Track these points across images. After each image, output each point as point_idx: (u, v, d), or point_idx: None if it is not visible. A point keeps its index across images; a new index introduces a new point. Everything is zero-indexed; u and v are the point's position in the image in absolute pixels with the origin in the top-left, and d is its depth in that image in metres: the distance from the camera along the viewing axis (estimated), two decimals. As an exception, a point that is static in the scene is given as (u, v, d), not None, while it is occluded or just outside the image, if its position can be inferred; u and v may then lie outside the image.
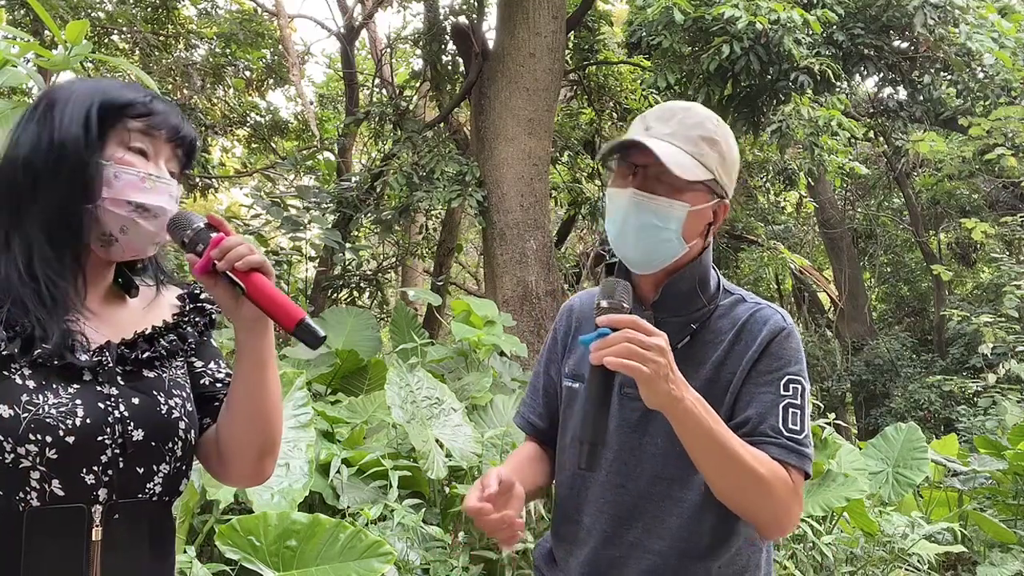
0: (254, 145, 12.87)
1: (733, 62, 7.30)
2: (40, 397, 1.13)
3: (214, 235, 1.19)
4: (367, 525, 3.11)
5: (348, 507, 3.44)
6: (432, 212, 9.26)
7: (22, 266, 1.17)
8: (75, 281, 1.21)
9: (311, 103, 12.65)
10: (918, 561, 4.25)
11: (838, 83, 8.16)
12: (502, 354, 5.53)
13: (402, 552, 3.14)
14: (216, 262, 1.16)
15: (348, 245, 7.99)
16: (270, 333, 1.25)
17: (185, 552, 2.79)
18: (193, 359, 1.35)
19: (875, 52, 8.67)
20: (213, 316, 1.39)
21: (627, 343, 1.23)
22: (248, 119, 12.06)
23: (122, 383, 1.21)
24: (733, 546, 1.48)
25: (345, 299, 8.59)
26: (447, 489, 3.79)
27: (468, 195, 6.99)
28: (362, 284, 8.85)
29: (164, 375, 1.27)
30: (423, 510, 3.56)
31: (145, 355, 1.24)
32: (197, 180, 10.15)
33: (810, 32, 7.49)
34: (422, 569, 3.23)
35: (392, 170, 7.60)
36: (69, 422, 1.13)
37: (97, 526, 1.15)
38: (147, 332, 1.28)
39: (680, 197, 1.40)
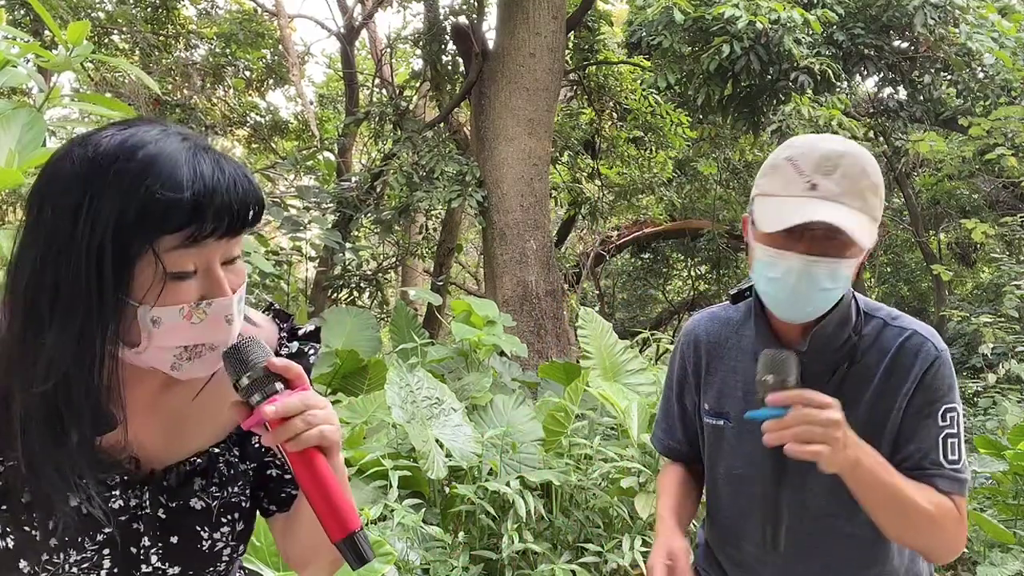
0: (254, 145, 12.87)
1: (733, 62, 7.31)
2: (60, 556, 0.98)
3: (276, 391, 0.94)
4: (367, 525, 3.11)
5: (348, 507, 3.43)
6: (432, 212, 9.26)
7: (27, 411, 0.92)
8: (115, 395, 0.96)
9: (311, 103, 12.66)
10: (918, 561, 4.25)
11: (838, 83, 8.16)
12: (502, 354, 5.53)
13: (402, 552, 3.14)
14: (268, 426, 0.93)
15: (348, 245, 7.99)
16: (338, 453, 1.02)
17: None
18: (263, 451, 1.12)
19: (875, 52, 8.67)
20: (310, 365, 1.15)
21: (804, 424, 1.25)
22: (248, 119, 12.07)
23: (163, 516, 1.03)
24: (903, 566, 1.55)
25: (345, 299, 8.59)
26: (447, 489, 3.79)
27: (468, 195, 7.00)
28: (362, 284, 8.85)
29: (214, 503, 1.07)
30: (423, 510, 3.55)
31: (196, 491, 1.05)
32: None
33: (810, 32, 7.50)
34: (422, 569, 3.23)
35: (392, 170, 7.60)
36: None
37: None
38: (203, 457, 1.07)
39: (850, 253, 1.34)
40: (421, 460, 3.65)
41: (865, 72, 9.20)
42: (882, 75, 9.43)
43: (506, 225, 6.98)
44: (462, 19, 8.57)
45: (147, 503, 1.02)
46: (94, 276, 0.87)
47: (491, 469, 3.85)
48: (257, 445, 1.12)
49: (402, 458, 3.83)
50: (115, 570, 1.01)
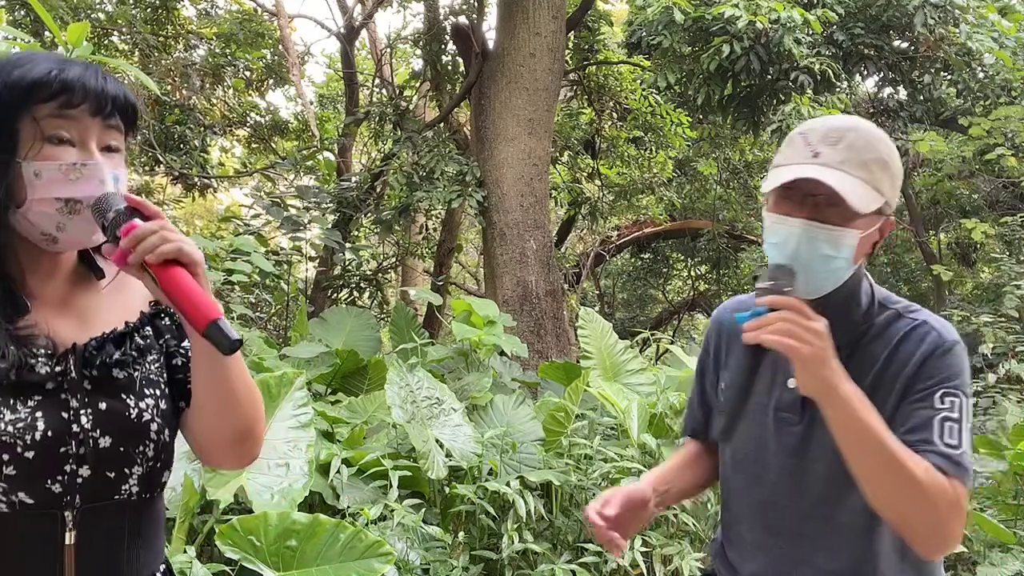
0: (254, 145, 12.87)
1: (733, 62, 7.31)
2: None
3: (130, 222, 1.08)
4: (367, 525, 3.11)
5: (348, 507, 3.44)
6: (432, 212, 9.27)
7: None
8: (21, 284, 1.15)
9: (311, 103, 12.66)
10: (918, 561, 4.25)
11: (838, 83, 8.16)
12: (502, 354, 5.53)
13: (402, 552, 3.14)
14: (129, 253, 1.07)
15: (348, 245, 7.99)
16: None
17: (185, 552, 2.79)
18: (168, 338, 1.27)
19: (875, 52, 8.67)
20: None
21: (784, 322, 1.23)
22: (248, 119, 12.07)
23: (89, 388, 1.15)
24: (906, 561, 1.46)
25: (345, 299, 8.59)
26: (447, 489, 3.79)
27: (468, 195, 7.00)
28: (362, 284, 8.85)
29: (135, 374, 1.20)
30: (423, 510, 3.56)
31: (114, 357, 1.17)
32: (196, 180, 10.16)
33: (810, 32, 7.49)
34: (422, 569, 3.23)
35: (392, 170, 7.61)
36: (28, 437, 1.09)
37: (70, 530, 1.12)
38: (117, 330, 1.20)
39: (852, 224, 1.35)
40: (421, 460, 3.66)
41: (865, 72, 9.20)
42: (882, 75, 9.43)
43: (506, 225, 6.98)
44: (462, 19, 8.58)
45: (71, 370, 1.14)
46: None
47: (491, 469, 3.86)
48: (167, 322, 1.27)
49: (402, 458, 3.83)
50: (48, 432, 1.10)
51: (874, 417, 1.28)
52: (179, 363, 1.27)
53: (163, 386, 1.23)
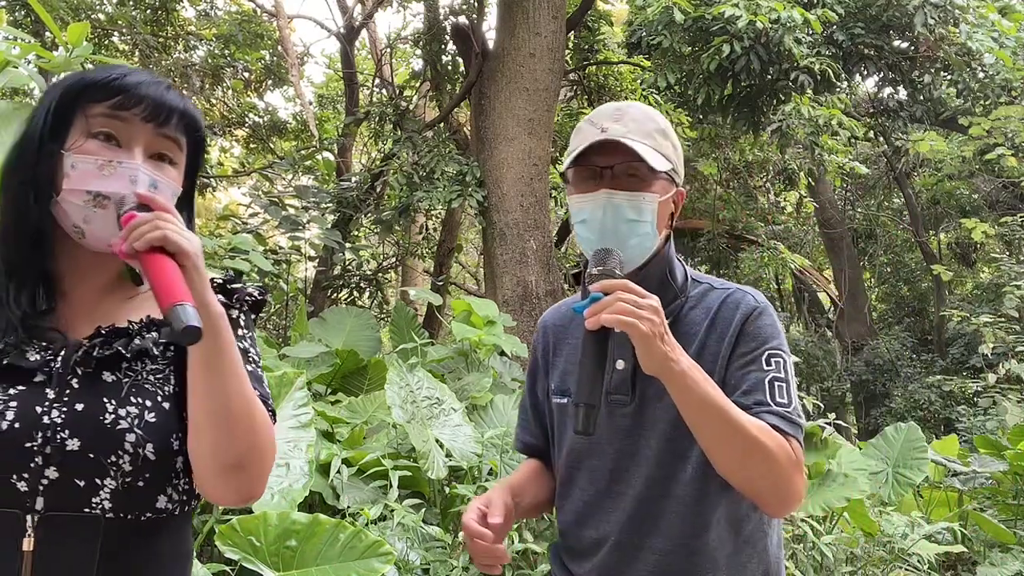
0: (252, 145, 12.88)
1: (733, 62, 7.31)
2: None
3: (130, 212, 1.09)
4: (367, 525, 3.11)
5: (348, 507, 3.44)
6: (432, 212, 9.26)
7: None
8: (55, 275, 1.16)
9: (310, 103, 12.66)
10: (918, 561, 4.25)
11: (838, 83, 8.16)
12: (502, 354, 5.53)
13: (402, 552, 3.14)
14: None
15: (348, 245, 7.99)
16: (221, 328, 1.11)
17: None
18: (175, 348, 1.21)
19: (875, 52, 8.67)
20: (244, 306, 1.27)
21: (621, 302, 1.24)
22: (247, 120, 12.08)
23: (76, 386, 1.11)
24: (741, 534, 1.48)
25: (345, 299, 8.59)
26: (447, 489, 3.79)
27: (468, 195, 7.00)
28: (362, 284, 8.85)
29: (125, 380, 1.14)
30: (423, 510, 3.56)
31: (106, 352, 1.13)
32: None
33: (810, 31, 7.50)
34: (422, 569, 3.23)
35: (392, 170, 7.61)
36: None
37: (28, 536, 1.06)
38: (115, 326, 1.17)
39: (649, 189, 1.44)
40: (421, 460, 3.66)
41: (865, 72, 9.20)
42: (882, 75, 9.44)
43: (506, 225, 6.98)
44: (462, 19, 8.58)
45: (59, 362, 1.12)
46: (39, 128, 1.14)
47: (491, 469, 3.85)
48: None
49: (402, 458, 3.83)
50: (16, 424, 1.07)
51: (712, 387, 1.32)
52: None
53: (159, 399, 1.16)
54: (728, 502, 1.44)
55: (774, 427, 1.35)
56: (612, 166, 1.43)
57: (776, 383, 1.40)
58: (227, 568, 2.82)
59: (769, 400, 1.39)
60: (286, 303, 7.84)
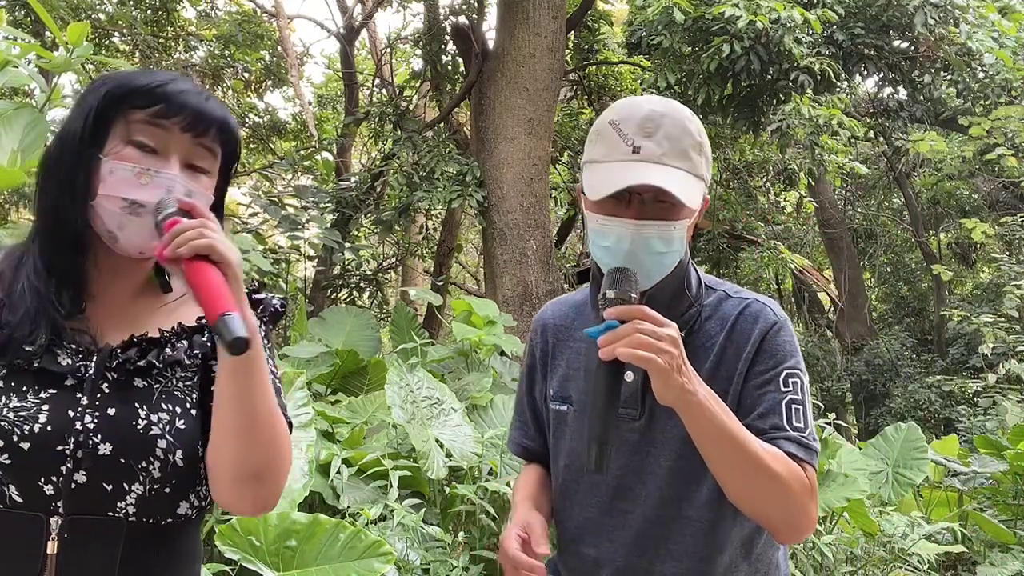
0: (252, 146, 12.88)
1: (733, 62, 7.30)
2: (2, 399, 1.08)
3: (173, 218, 1.09)
4: (367, 525, 3.11)
5: (348, 507, 3.44)
6: (432, 212, 9.26)
7: (33, 263, 1.14)
8: (91, 278, 1.16)
9: (309, 103, 12.66)
10: (918, 561, 4.25)
11: (838, 83, 8.16)
12: (502, 354, 5.53)
13: (402, 552, 3.14)
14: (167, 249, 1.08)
15: (348, 245, 7.99)
16: (256, 340, 1.12)
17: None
18: (213, 363, 1.19)
19: (875, 52, 8.67)
20: (266, 316, 1.28)
21: (639, 334, 1.17)
22: (246, 120, 12.08)
23: (107, 391, 1.12)
24: (752, 552, 1.44)
25: (345, 299, 8.60)
26: (447, 489, 3.79)
27: (468, 195, 7.00)
28: (362, 284, 8.86)
29: (156, 386, 1.15)
30: (423, 510, 3.55)
31: (140, 363, 1.14)
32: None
33: (810, 31, 7.49)
34: (422, 569, 3.23)
35: (392, 170, 7.61)
36: (27, 428, 1.06)
37: (53, 539, 1.07)
38: (148, 335, 1.17)
39: (680, 215, 1.33)
40: (421, 460, 3.65)
41: (865, 72, 9.20)
42: (882, 75, 9.43)
43: (506, 225, 6.98)
44: (462, 19, 8.58)
45: (91, 368, 1.13)
46: (79, 131, 1.13)
47: (491, 469, 3.85)
48: (205, 339, 1.22)
49: (402, 458, 3.83)
50: (48, 427, 1.08)
51: (728, 416, 1.26)
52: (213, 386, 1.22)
53: (188, 406, 1.17)
54: (742, 523, 1.41)
55: (790, 455, 1.31)
56: (642, 193, 1.31)
57: (793, 406, 1.35)
58: (227, 568, 2.82)
59: (785, 424, 1.34)
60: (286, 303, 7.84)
